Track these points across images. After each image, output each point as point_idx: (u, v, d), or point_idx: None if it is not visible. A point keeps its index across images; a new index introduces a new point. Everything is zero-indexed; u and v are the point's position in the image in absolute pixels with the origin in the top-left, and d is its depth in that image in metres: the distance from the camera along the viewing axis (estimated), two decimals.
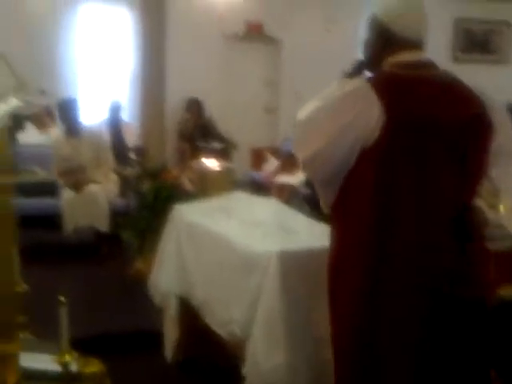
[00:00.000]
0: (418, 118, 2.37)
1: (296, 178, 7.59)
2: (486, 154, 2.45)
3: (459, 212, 2.38)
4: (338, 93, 2.52)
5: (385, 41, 2.58)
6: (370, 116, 2.37)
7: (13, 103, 2.89)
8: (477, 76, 9.89)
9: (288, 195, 7.23)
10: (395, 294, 2.40)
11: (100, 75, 9.60)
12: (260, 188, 7.74)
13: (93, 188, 6.39)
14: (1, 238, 3.00)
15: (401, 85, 2.46)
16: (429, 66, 2.55)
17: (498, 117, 2.49)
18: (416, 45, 2.56)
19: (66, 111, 6.65)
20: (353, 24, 10.26)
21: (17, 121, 7.45)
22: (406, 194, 2.37)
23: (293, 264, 3.27)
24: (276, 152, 8.80)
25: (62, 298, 2.75)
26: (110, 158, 6.71)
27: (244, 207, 4.06)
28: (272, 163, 8.24)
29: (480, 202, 2.40)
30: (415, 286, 2.38)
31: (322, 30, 10.25)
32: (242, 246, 3.50)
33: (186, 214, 4.18)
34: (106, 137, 6.88)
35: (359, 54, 2.77)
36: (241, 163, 8.97)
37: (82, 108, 6.81)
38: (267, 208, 4.00)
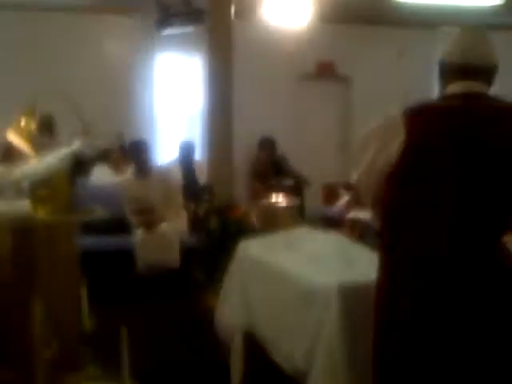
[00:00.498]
0: (434, 143, 2.45)
1: (368, 213, 7.49)
2: None
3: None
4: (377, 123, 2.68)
5: (441, 71, 2.65)
6: (394, 143, 2.51)
7: (74, 146, 3.02)
8: None
9: (360, 230, 7.16)
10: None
11: (174, 117, 9.89)
12: (332, 224, 7.69)
13: (164, 227, 6.51)
14: (68, 277, 3.12)
15: (428, 113, 2.54)
16: (475, 97, 2.54)
17: None
18: (467, 73, 2.56)
19: (136, 152, 6.84)
20: (424, 56, 10.29)
21: (80, 163, 7.69)
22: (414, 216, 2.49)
23: (353, 297, 3.25)
24: (349, 187, 8.76)
25: (124, 330, 2.81)
26: (179, 197, 6.82)
27: (307, 241, 4.07)
28: (344, 199, 8.21)
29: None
30: None
31: (392, 65, 10.22)
32: (303, 279, 3.51)
33: (251, 249, 4.22)
34: (176, 176, 7.02)
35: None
36: (313, 199, 8.98)
37: (153, 149, 6.99)
38: (330, 241, 4.00)
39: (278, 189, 7.97)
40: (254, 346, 4.00)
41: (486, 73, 2.58)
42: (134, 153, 6.88)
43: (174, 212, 6.70)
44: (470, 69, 2.55)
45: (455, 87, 2.57)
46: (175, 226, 6.56)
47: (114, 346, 2.96)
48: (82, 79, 8.92)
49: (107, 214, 6.70)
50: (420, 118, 2.52)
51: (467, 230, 2.40)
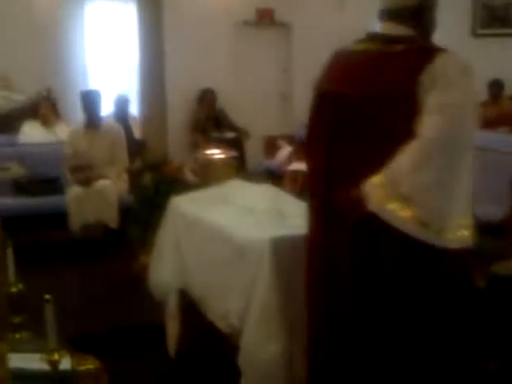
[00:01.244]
0: (325, 92, 2.66)
1: None
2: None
3: None
4: None
5: None
6: None
7: None
8: (497, 50, 9.76)
9: (302, 181, 7.07)
10: None
11: (107, 70, 9.53)
12: (273, 176, 7.60)
13: (102, 183, 6.27)
14: None
15: (334, 59, 2.80)
16: (382, 40, 2.58)
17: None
18: (388, 16, 2.58)
19: (87, 103, 6.55)
20: (366, 2, 10.11)
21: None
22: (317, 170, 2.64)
23: (286, 251, 3.16)
24: (290, 139, 8.64)
25: (48, 297, 2.64)
26: (124, 158, 6.61)
27: (240, 195, 3.93)
28: (286, 151, 8.09)
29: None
30: None
31: (333, 12, 10.02)
32: (236, 234, 3.40)
33: (183, 205, 4.07)
34: (123, 134, 6.74)
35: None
36: (255, 152, 8.84)
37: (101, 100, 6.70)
38: (263, 194, 3.86)
39: (219, 142, 7.81)
40: (190, 305, 3.88)
41: (407, 14, 2.53)
42: (85, 103, 6.58)
43: (117, 172, 6.48)
44: (390, 12, 2.56)
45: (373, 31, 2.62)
46: (115, 184, 6.34)
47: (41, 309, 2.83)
48: (5, 31, 8.52)
49: (28, 172, 6.54)
50: (327, 63, 2.77)
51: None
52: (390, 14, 2.53)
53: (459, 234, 2.31)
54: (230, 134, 8.72)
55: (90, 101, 6.56)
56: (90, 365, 3.24)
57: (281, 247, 3.15)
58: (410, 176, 2.29)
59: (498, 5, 10.45)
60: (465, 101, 2.29)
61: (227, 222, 3.54)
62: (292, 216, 3.48)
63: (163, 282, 4.09)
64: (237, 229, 3.42)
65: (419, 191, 2.31)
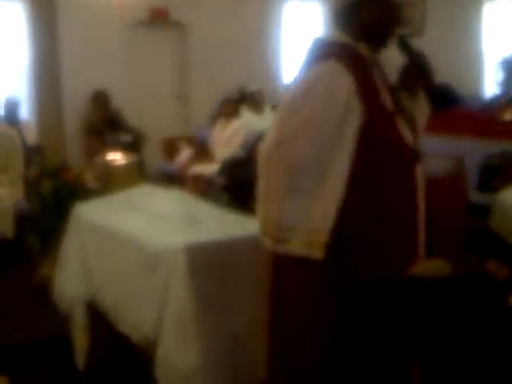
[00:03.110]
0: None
1: (211, 168, 7.40)
2: None
3: None
4: None
5: None
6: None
7: None
8: None
9: (204, 186, 7.02)
10: None
11: None
12: (173, 180, 7.49)
13: None
14: None
15: None
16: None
17: None
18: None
19: None
20: (260, 3, 10.17)
21: None
22: None
23: (200, 258, 3.09)
24: (189, 141, 8.55)
25: None
26: (19, 164, 6.31)
27: (148, 201, 3.83)
28: (185, 153, 8.00)
29: None
30: None
31: (229, 12, 10.00)
32: (146, 242, 3.29)
33: (87, 213, 3.92)
34: (17, 140, 6.44)
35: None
36: (153, 155, 8.69)
37: None
38: (172, 200, 3.78)
39: (115, 145, 7.63)
40: (98, 317, 3.74)
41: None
42: None
43: (12, 177, 6.17)
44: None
45: None
46: (10, 192, 6.05)
47: None
48: None
49: None
50: None
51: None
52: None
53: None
54: (127, 137, 8.53)
55: None
56: None
57: (195, 254, 3.07)
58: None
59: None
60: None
61: (137, 230, 3.43)
62: (205, 221, 3.42)
63: (69, 294, 3.92)
64: (148, 237, 3.32)
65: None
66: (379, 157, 2.32)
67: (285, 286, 2.50)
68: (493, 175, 6.11)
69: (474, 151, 6.19)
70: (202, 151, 7.69)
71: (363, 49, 2.38)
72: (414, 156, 2.37)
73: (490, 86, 12.10)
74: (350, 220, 2.28)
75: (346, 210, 2.27)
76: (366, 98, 2.27)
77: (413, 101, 2.45)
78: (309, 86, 2.30)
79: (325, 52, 2.37)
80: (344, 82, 2.26)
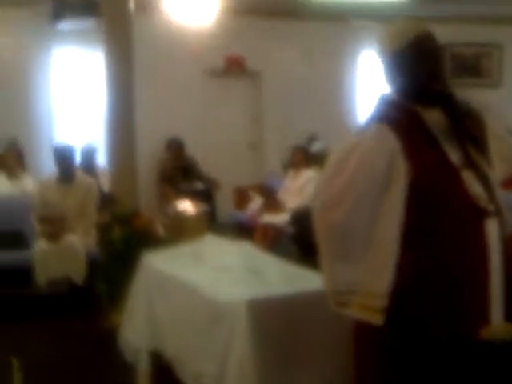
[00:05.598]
0: None
1: (280, 218, 7.36)
2: None
3: None
4: None
5: None
6: None
7: None
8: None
9: (273, 235, 7.00)
10: None
11: (75, 118, 9.39)
12: (244, 229, 7.49)
13: (71, 238, 6.12)
14: None
15: None
16: None
17: None
18: None
19: (61, 157, 6.48)
20: (334, 51, 10.22)
21: None
22: None
23: (263, 312, 3.06)
24: (260, 190, 8.55)
25: (15, 361, 2.50)
26: (93, 212, 6.48)
27: (214, 253, 3.84)
28: (256, 202, 8.00)
29: None
30: None
31: (302, 62, 10.09)
32: (211, 294, 3.29)
33: (156, 262, 3.97)
34: (96, 188, 6.63)
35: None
36: (225, 203, 8.73)
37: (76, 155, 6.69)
38: (238, 252, 3.78)
39: (188, 193, 7.70)
40: (162, 367, 3.74)
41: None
42: (58, 158, 6.49)
43: (86, 226, 6.33)
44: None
45: None
46: (84, 239, 6.19)
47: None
48: None
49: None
50: None
51: None
52: None
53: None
54: (200, 185, 8.62)
55: (63, 156, 6.51)
56: None
57: (258, 309, 3.04)
58: None
59: (468, 55, 10.57)
60: None
61: (201, 282, 3.44)
62: (269, 275, 3.39)
63: (134, 342, 3.95)
64: (211, 289, 3.32)
65: None
66: (437, 214, 2.24)
67: (363, 349, 2.41)
68: None
69: None
70: (272, 201, 7.67)
71: (417, 107, 2.34)
72: (482, 212, 2.28)
73: None
74: (409, 282, 2.21)
75: (403, 272, 2.20)
76: (415, 156, 2.22)
77: (482, 155, 2.37)
78: (352, 149, 2.29)
79: (377, 113, 2.36)
80: (386, 143, 2.23)
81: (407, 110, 2.32)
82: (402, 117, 2.30)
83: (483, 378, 2.26)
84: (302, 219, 7.04)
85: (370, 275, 2.21)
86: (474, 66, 10.95)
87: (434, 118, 2.33)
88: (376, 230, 2.21)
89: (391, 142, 2.22)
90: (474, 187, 2.28)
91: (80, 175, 6.64)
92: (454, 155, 2.30)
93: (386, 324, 2.20)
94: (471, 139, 2.34)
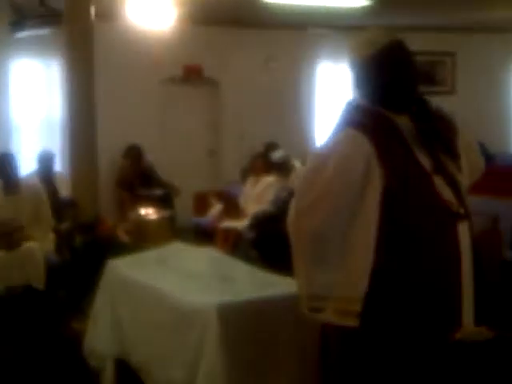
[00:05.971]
0: None
1: (241, 223, 7.38)
2: None
3: None
4: None
5: None
6: None
7: None
8: None
9: (234, 240, 7.00)
10: None
11: (32, 126, 9.28)
12: (204, 234, 7.49)
13: (29, 245, 6.03)
14: None
15: None
16: None
17: None
18: None
19: (3, 166, 6.23)
20: (293, 58, 10.30)
21: None
22: None
23: (234, 317, 3.07)
24: (220, 196, 8.55)
25: None
26: (48, 217, 6.37)
27: (180, 258, 3.84)
28: (217, 208, 8.00)
29: None
30: None
31: (261, 70, 10.14)
32: (179, 300, 3.29)
33: (121, 269, 3.95)
34: (43, 192, 6.51)
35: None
36: (184, 209, 8.71)
37: (19, 162, 6.48)
38: (205, 258, 3.78)
39: (147, 199, 7.67)
40: (128, 374, 3.71)
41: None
42: (0, 168, 6.27)
43: (43, 231, 6.22)
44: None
45: None
46: (42, 245, 6.09)
47: None
48: None
49: None
50: None
51: None
52: None
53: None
54: (159, 191, 8.58)
55: (4, 165, 6.26)
56: None
57: (228, 314, 3.05)
58: None
59: (423, 63, 10.74)
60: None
61: (170, 288, 3.43)
62: (238, 281, 3.40)
63: (99, 349, 3.93)
64: (180, 295, 3.32)
65: None
66: (411, 219, 2.28)
67: (331, 350, 2.45)
68: None
69: (507, 210, 6.14)
70: (233, 206, 7.68)
71: (389, 113, 2.37)
72: (455, 215, 2.32)
73: None
74: (384, 287, 2.24)
75: (378, 276, 2.23)
76: (389, 161, 2.25)
77: (452, 161, 2.41)
78: (327, 154, 2.29)
79: (349, 118, 2.37)
80: (361, 148, 2.24)
81: (379, 115, 2.34)
82: (374, 122, 2.31)
83: (456, 378, 2.30)
84: (261, 224, 7.07)
85: (345, 280, 2.23)
86: (428, 74, 11.14)
87: (404, 123, 2.36)
88: (352, 235, 2.23)
89: (366, 147, 2.23)
90: (445, 192, 2.32)
91: (24, 182, 6.48)
92: (425, 161, 2.34)
93: (360, 327, 2.23)
94: (442, 144, 2.38)
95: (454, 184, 2.35)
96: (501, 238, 5.80)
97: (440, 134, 2.37)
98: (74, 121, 6.93)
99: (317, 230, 2.24)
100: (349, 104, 2.43)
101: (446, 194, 2.32)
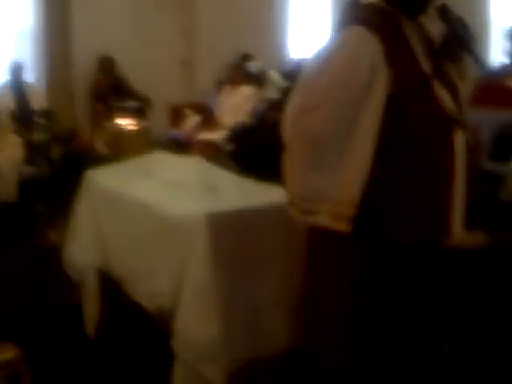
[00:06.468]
0: None
1: (218, 135, 7.30)
2: None
3: None
4: None
5: None
6: None
7: None
8: None
9: (211, 152, 6.92)
10: None
11: (2, 36, 8.91)
12: (181, 146, 7.39)
13: None
14: None
15: None
16: None
17: None
18: None
19: None
20: None
21: None
22: None
23: (222, 227, 3.00)
24: (195, 107, 8.41)
25: None
26: (5, 119, 6.17)
27: (165, 168, 3.73)
28: (192, 120, 7.87)
29: None
30: None
31: None
32: (165, 210, 3.20)
33: (100, 180, 3.83)
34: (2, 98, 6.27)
35: None
36: (159, 122, 8.55)
37: None
38: (190, 167, 3.67)
39: (121, 112, 7.52)
40: (110, 285, 3.66)
41: None
42: None
43: (4, 138, 6.03)
44: None
45: None
46: (8, 155, 5.91)
47: None
48: None
49: None
50: None
51: None
52: None
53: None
54: (133, 103, 8.40)
55: None
56: (9, 353, 3.09)
57: (216, 223, 2.98)
58: None
59: None
60: None
61: (154, 198, 3.34)
62: (225, 190, 3.32)
63: (80, 261, 3.86)
64: (166, 204, 3.22)
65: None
66: (411, 124, 2.21)
67: (318, 257, 2.42)
68: (507, 144, 6.03)
69: (487, 120, 6.10)
70: (209, 118, 7.57)
71: (397, 13, 2.27)
72: (453, 122, 2.26)
73: (497, 55, 11.98)
74: (378, 192, 2.19)
75: (373, 181, 2.17)
76: (395, 62, 2.16)
77: (455, 68, 2.34)
78: (333, 52, 2.20)
79: (354, 16, 2.26)
80: (369, 46, 2.14)
81: (386, 13, 2.24)
82: (381, 20, 2.20)
83: (445, 284, 2.29)
84: (240, 136, 7.00)
85: (341, 183, 2.17)
86: None
87: (410, 25, 2.27)
88: (351, 139, 2.16)
89: (374, 45, 2.12)
90: (444, 97, 2.26)
91: None
92: (426, 65, 2.27)
93: (352, 232, 2.18)
94: (460, 50, 2.31)
95: (453, 90, 2.29)
96: (482, 148, 5.78)
97: (464, 40, 2.29)
98: (45, 29, 6.67)
99: (318, 130, 2.15)
100: (353, 1, 2.32)
101: (445, 99, 2.26)
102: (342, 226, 2.17)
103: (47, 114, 6.57)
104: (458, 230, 2.28)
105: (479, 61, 2.29)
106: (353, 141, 2.15)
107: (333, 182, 2.17)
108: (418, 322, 2.29)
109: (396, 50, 2.17)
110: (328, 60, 2.17)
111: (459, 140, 2.28)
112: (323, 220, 2.20)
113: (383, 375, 2.25)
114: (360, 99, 2.12)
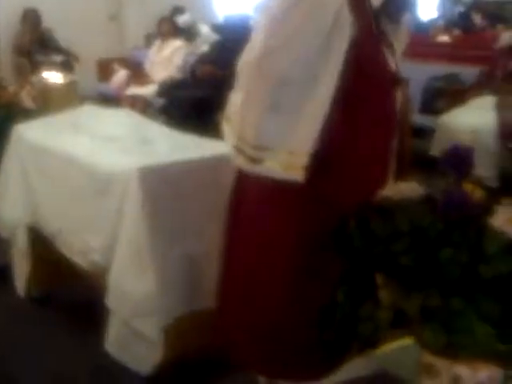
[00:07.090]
0: None
1: (148, 89, 7.20)
2: None
3: None
4: None
5: None
6: None
7: None
8: None
9: (141, 107, 6.82)
10: None
11: None
12: (109, 101, 7.24)
13: None
14: None
15: None
16: None
17: None
18: None
19: None
20: None
21: None
22: None
23: (155, 180, 2.94)
24: (124, 62, 8.24)
25: None
26: None
27: (94, 121, 3.62)
28: (121, 74, 7.71)
29: None
30: None
31: None
32: (96, 164, 3.12)
33: (29, 134, 3.70)
34: None
35: None
36: (86, 76, 8.33)
37: None
38: (121, 120, 3.59)
39: (46, 66, 7.31)
40: (41, 241, 3.59)
41: None
42: None
43: None
44: None
45: None
46: None
47: None
48: None
49: None
50: None
51: None
52: None
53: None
54: (58, 58, 8.15)
55: None
56: None
57: (149, 176, 2.93)
58: None
59: None
60: None
61: (85, 152, 3.25)
62: (157, 143, 3.27)
63: (9, 218, 3.76)
64: (98, 159, 3.14)
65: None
66: (365, 78, 2.21)
67: (248, 207, 2.41)
68: (436, 98, 6.13)
69: (416, 73, 6.16)
70: (139, 72, 7.44)
71: None
72: (396, 80, 2.29)
73: (424, 10, 12.21)
74: (332, 143, 2.18)
75: (328, 133, 2.16)
76: (357, 12, 2.16)
77: (393, 28, 2.35)
78: None
79: None
80: None
81: None
82: None
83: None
84: (170, 90, 6.92)
85: (296, 132, 2.14)
86: None
87: None
88: (314, 84, 2.13)
89: None
90: (390, 59, 2.30)
91: None
92: (373, 23, 2.29)
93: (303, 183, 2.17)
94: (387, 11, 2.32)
95: (393, 52, 2.33)
96: (410, 102, 5.86)
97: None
98: None
99: (285, 71, 2.11)
100: None
101: (391, 61, 2.30)
102: (295, 176, 2.15)
103: None
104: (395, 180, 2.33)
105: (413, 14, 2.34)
106: (315, 87, 2.12)
107: (289, 128, 2.14)
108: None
109: (356, 1, 2.17)
110: (294, 3, 2.13)
111: (399, 96, 2.32)
112: (274, 169, 2.17)
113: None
114: (324, 44, 2.10)
